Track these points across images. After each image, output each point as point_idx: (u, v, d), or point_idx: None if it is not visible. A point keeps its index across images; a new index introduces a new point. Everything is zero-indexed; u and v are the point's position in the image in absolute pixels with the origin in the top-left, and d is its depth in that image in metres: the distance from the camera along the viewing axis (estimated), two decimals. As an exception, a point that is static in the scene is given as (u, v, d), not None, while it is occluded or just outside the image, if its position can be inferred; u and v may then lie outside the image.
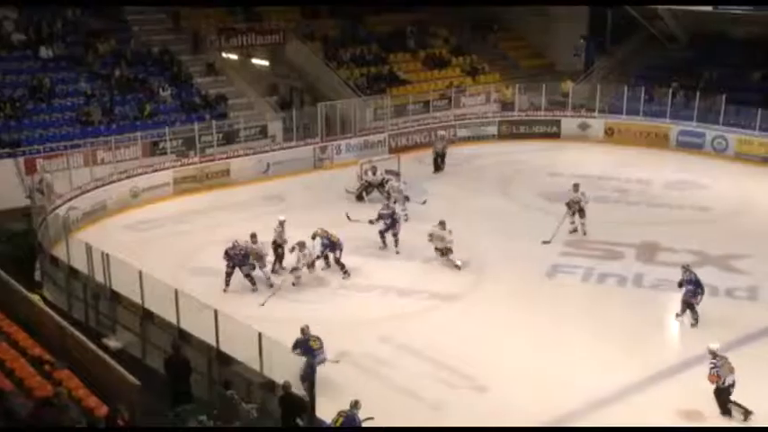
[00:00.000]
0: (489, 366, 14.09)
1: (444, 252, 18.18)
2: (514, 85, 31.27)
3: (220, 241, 19.80)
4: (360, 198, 23.00)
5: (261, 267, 17.30)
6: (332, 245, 17.88)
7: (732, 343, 14.66)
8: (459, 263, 18.08)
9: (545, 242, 19.46)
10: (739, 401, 12.53)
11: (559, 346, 14.81)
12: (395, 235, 19.17)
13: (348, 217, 20.16)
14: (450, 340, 15.01)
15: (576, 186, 19.90)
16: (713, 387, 12.49)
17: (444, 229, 18.20)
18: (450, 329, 15.57)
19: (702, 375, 13.03)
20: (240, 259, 16.96)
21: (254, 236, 17.38)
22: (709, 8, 27.64)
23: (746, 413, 12.48)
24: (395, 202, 20.27)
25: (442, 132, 27.34)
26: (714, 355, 12.47)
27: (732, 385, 12.39)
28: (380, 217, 19.21)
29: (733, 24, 30.20)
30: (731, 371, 12.38)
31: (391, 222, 19.12)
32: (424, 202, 22.00)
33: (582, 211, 19.81)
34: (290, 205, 22.80)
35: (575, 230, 19.95)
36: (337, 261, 17.95)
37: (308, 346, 12.93)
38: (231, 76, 29.52)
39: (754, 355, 14.39)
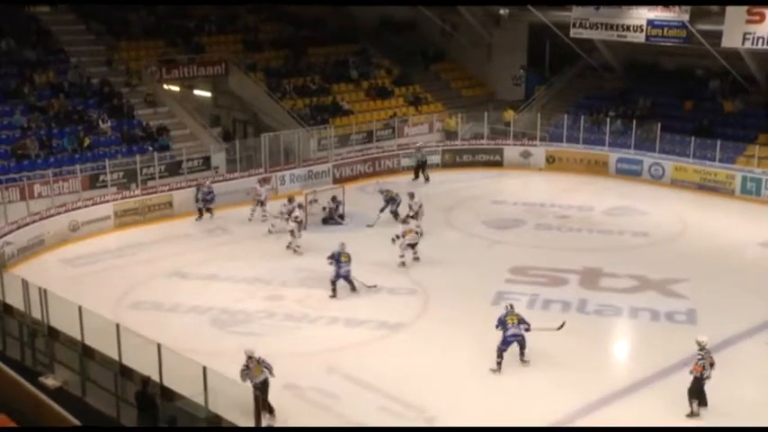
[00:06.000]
0: (438, 396, 14.04)
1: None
2: (457, 114, 31.66)
3: (162, 275, 19.63)
4: (326, 221, 23.73)
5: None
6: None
7: (673, 366, 14.97)
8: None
9: None
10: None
11: (507, 374, 14.86)
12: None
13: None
14: (398, 370, 14.95)
15: None
16: (693, 376, 13.21)
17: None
18: (397, 359, 15.50)
19: (647, 397, 13.25)
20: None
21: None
22: (642, 39, 28.48)
23: (692, 413, 13.27)
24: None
25: (419, 144, 28.56)
26: (702, 347, 13.16)
27: (708, 378, 13.12)
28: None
29: (665, 55, 31.17)
30: (712, 365, 13.14)
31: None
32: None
33: None
34: (235, 237, 22.59)
35: None
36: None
37: None
38: (173, 108, 29.23)
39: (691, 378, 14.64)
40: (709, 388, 13.45)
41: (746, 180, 25.89)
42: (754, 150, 26.39)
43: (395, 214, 23.42)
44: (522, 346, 15.18)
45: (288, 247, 21.18)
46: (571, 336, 16.41)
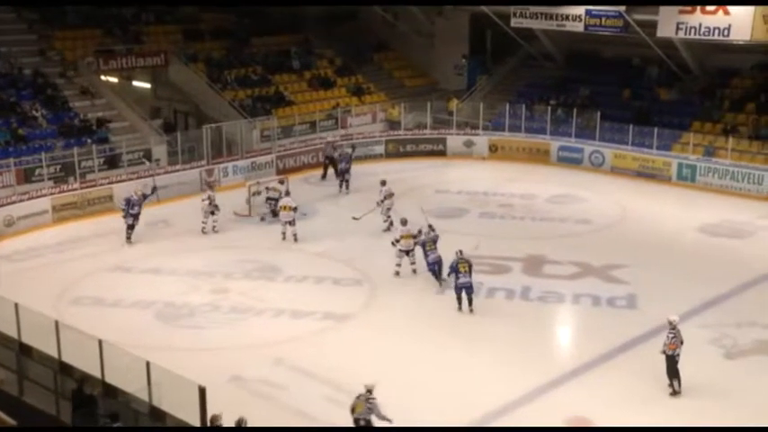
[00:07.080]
0: (385, 384, 14.01)
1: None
2: (400, 104, 31.69)
3: (104, 269, 19.25)
4: (275, 214, 22.51)
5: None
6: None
7: (613, 350, 15.29)
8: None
9: None
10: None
11: (453, 361, 14.99)
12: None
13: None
14: (345, 360, 14.93)
15: None
16: (666, 354, 13.65)
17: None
18: (344, 349, 15.50)
19: (590, 381, 13.51)
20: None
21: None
22: (580, 29, 28.88)
23: (675, 392, 13.73)
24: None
25: (329, 139, 27.95)
26: (673, 326, 13.68)
27: (679, 355, 13.63)
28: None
29: (604, 45, 31.68)
30: (681, 342, 13.64)
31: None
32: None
33: None
34: (177, 230, 22.25)
35: None
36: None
37: None
38: (111, 100, 28.60)
39: (632, 361, 15.00)
40: (652, 370, 13.80)
41: (682, 167, 26.50)
42: (689, 138, 27.04)
43: (343, 177, 25.32)
44: (470, 297, 16.60)
45: (284, 238, 20.98)
46: (516, 322, 16.68)
